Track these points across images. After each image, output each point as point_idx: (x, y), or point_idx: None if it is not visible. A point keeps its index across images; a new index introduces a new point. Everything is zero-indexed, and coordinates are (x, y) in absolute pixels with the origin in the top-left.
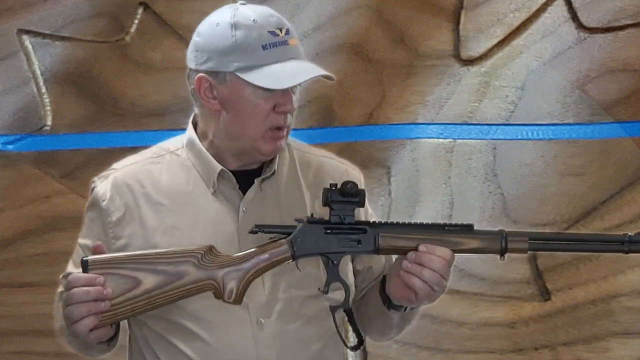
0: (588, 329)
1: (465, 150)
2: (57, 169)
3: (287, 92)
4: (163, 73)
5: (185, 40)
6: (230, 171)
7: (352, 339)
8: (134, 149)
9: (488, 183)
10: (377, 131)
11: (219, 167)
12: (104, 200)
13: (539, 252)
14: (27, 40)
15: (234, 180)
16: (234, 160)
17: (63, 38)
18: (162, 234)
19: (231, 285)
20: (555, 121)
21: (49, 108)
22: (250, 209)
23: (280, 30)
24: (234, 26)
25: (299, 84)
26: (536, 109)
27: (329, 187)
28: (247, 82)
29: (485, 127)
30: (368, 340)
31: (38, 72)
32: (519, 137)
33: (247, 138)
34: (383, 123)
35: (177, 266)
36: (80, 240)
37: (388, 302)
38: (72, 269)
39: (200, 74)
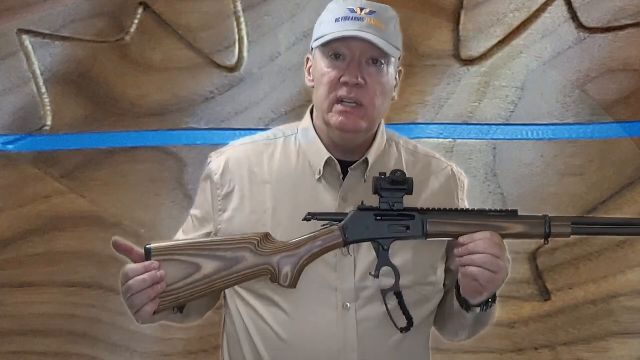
0: (588, 329)
1: (465, 150)
2: (57, 169)
3: (353, 65)
4: (163, 73)
5: (185, 40)
6: (340, 161)
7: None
8: (134, 149)
9: (488, 183)
10: None
11: (327, 155)
12: (216, 175)
13: (539, 252)
14: (27, 40)
15: (339, 169)
16: (331, 144)
17: (63, 38)
18: (263, 212)
19: (286, 270)
20: (555, 121)
21: (49, 108)
22: (350, 197)
23: (362, 10)
24: (327, 7)
25: (379, 63)
26: (536, 109)
27: (378, 175)
28: (318, 51)
29: (485, 127)
30: None
31: (38, 72)
32: (519, 137)
33: (323, 111)
34: None
35: (235, 252)
36: (191, 211)
37: (465, 304)
38: (180, 235)
39: (307, 55)
